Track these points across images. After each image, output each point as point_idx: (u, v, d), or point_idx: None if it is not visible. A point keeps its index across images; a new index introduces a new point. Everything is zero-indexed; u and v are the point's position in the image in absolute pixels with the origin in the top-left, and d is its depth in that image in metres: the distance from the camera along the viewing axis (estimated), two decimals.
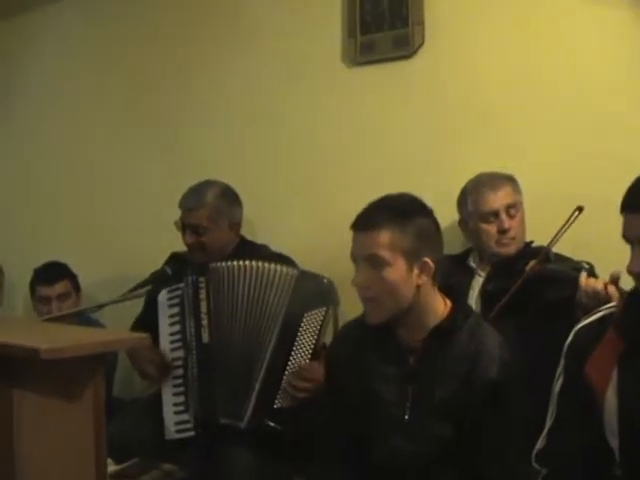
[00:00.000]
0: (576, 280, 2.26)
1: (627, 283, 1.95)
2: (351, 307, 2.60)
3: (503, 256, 2.66)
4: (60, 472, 1.53)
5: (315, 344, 2.60)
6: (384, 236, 1.98)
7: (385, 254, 1.98)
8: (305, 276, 2.70)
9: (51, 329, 1.92)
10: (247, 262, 2.70)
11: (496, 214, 2.64)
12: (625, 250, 1.71)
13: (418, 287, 2.02)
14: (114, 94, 3.80)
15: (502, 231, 2.63)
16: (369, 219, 2.03)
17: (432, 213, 2.09)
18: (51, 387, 1.48)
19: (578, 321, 1.91)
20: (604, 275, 2.23)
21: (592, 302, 2.12)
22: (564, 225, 2.43)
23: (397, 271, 1.99)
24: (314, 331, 2.61)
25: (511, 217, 2.65)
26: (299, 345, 2.61)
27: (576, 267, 2.42)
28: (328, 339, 2.61)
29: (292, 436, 2.56)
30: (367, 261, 2.02)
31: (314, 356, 2.60)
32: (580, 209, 2.42)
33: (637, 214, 1.66)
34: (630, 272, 1.69)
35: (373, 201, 2.08)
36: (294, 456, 2.59)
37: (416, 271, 2.01)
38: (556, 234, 2.44)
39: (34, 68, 4.07)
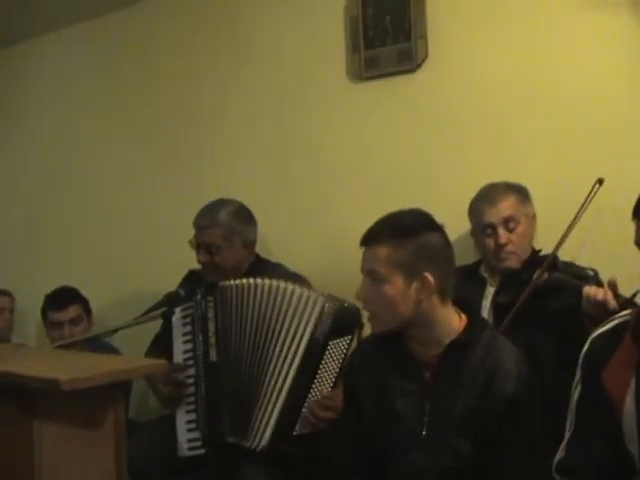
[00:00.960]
0: (579, 289, 2.26)
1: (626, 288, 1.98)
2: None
3: (504, 270, 2.64)
4: None
5: (338, 372, 2.56)
6: (381, 251, 2.02)
7: (382, 269, 2.01)
8: (332, 302, 2.61)
9: (68, 358, 1.92)
10: (258, 280, 2.68)
11: (493, 228, 2.63)
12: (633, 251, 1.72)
13: (419, 302, 2.02)
14: (118, 117, 3.85)
15: (499, 246, 2.61)
16: (371, 235, 2.07)
17: (441, 228, 2.09)
18: (71, 417, 1.49)
19: (588, 331, 1.91)
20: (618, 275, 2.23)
21: (596, 311, 2.11)
22: (586, 199, 2.44)
23: (395, 286, 2.01)
24: (338, 359, 2.56)
25: (509, 231, 2.61)
26: (322, 373, 2.57)
27: (581, 274, 2.43)
28: None
29: (306, 455, 2.56)
30: (368, 276, 2.06)
31: (336, 384, 2.56)
32: (600, 181, 2.43)
33: None
34: None
35: (381, 217, 2.10)
36: (307, 474, 2.59)
37: (416, 286, 2.01)
38: (579, 210, 2.45)
39: (34, 95, 4.10)
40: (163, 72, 3.71)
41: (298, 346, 2.59)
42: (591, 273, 2.46)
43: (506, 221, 2.62)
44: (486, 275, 2.74)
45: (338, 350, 2.57)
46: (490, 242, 2.64)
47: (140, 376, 2.50)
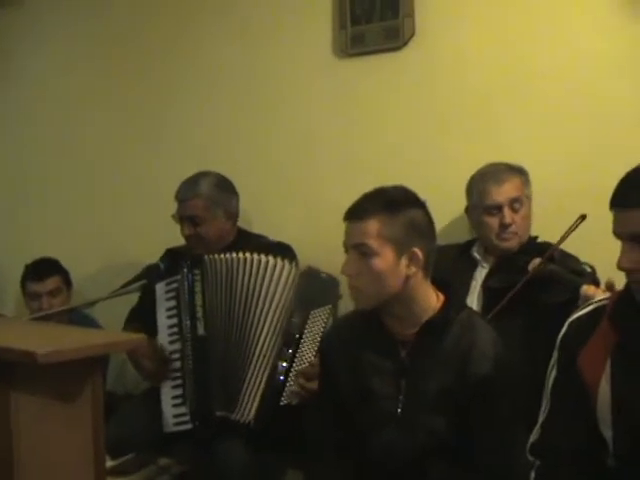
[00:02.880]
0: (576, 285, 2.26)
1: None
2: (345, 300, 2.63)
3: (504, 250, 2.64)
4: (59, 472, 1.53)
5: (320, 342, 2.58)
6: (372, 225, 2.00)
7: (373, 243, 2.00)
8: (310, 273, 2.69)
9: (48, 331, 1.90)
10: (247, 255, 2.70)
11: (499, 208, 2.62)
12: None
13: (407, 278, 2.02)
14: (105, 87, 3.79)
15: (504, 225, 2.61)
16: (359, 209, 2.04)
17: (424, 206, 2.09)
18: (49, 390, 1.49)
19: None
20: (609, 271, 2.24)
21: None
22: (567, 232, 2.42)
23: (385, 260, 2.00)
24: (319, 329, 2.61)
25: (515, 211, 2.62)
26: (305, 343, 2.61)
27: (577, 270, 2.43)
28: None
29: (288, 430, 2.57)
30: (356, 250, 2.03)
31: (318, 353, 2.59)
32: (583, 217, 2.40)
33: (626, 211, 1.66)
34: (619, 268, 1.69)
35: (366, 192, 2.09)
36: (290, 449, 2.61)
37: (405, 261, 2.01)
38: (559, 240, 2.42)
39: (24, 61, 4.04)
40: (152, 47, 3.66)
41: (282, 317, 2.63)
42: (588, 269, 2.45)
43: (512, 202, 2.63)
44: (479, 256, 2.74)
45: (319, 320, 2.62)
46: (493, 222, 2.63)
47: (120, 350, 2.50)
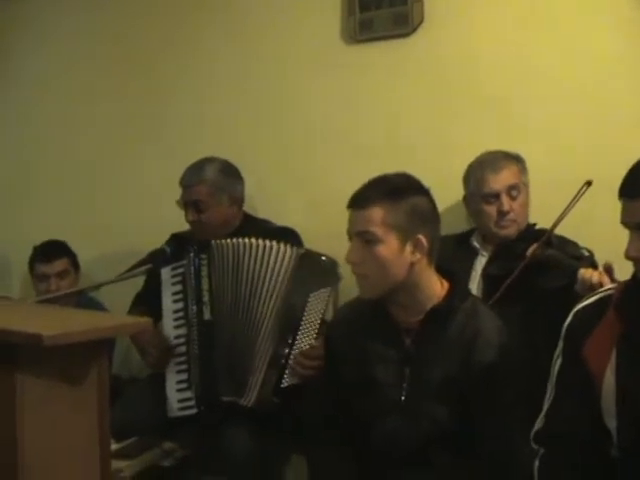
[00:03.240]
0: (574, 269, 2.26)
1: (622, 273, 1.96)
2: (343, 283, 2.65)
3: (503, 238, 2.64)
4: (64, 455, 1.53)
5: (320, 323, 2.61)
6: (377, 213, 2.00)
7: (377, 230, 2.00)
8: (309, 255, 2.70)
9: (54, 313, 1.90)
10: (252, 240, 2.70)
11: (497, 195, 2.62)
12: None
13: (412, 265, 2.03)
14: (106, 80, 3.77)
15: (502, 213, 2.62)
16: (363, 196, 2.04)
17: (428, 192, 2.09)
18: (54, 372, 1.48)
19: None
20: (610, 257, 2.24)
21: (590, 292, 2.10)
22: (573, 199, 2.41)
23: (389, 248, 2.00)
24: (319, 311, 2.62)
25: (512, 199, 2.62)
26: (305, 325, 2.61)
27: (575, 254, 2.42)
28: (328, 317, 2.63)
29: (293, 414, 2.58)
30: (360, 237, 2.03)
31: (319, 335, 2.60)
32: (589, 183, 2.40)
33: (633, 200, 1.67)
34: (627, 257, 1.70)
35: (370, 180, 2.09)
36: (294, 435, 2.61)
37: (409, 248, 2.01)
38: (565, 208, 2.41)
39: (25, 55, 4.03)
40: (154, 37, 3.64)
41: (283, 301, 2.64)
42: (586, 253, 2.46)
43: (510, 189, 2.63)
44: (478, 245, 2.75)
45: (319, 302, 2.62)
46: (491, 210, 2.63)
47: (125, 334, 2.50)
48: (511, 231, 2.64)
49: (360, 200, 2.05)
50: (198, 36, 3.52)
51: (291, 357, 2.60)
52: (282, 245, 2.68)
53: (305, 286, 2.63)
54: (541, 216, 2.67)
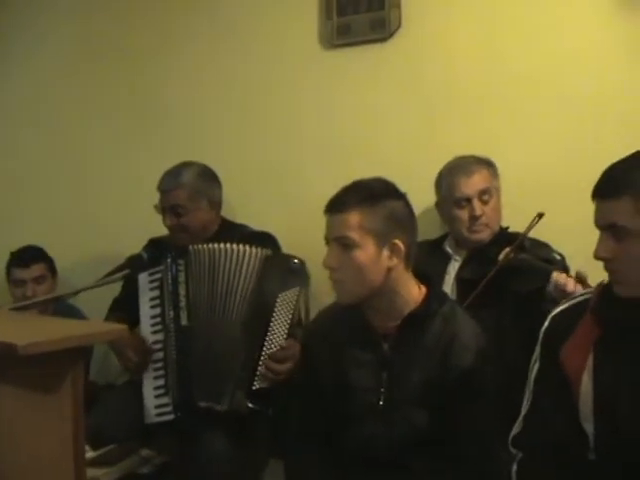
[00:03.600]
0: (546, 273, 2.28)
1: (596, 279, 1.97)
2: (322, 288, 2.60)
3: (475, 242, 2.65)
4: (37, 464, 1.52)
5: (290, 324, 2.60)
6: (353, 217, 2.00)
7: (354, 235, 2.00)
8: (276, 256, 2.71)
9: (28, 322, 1.88)
10: (227, 245, 2.69)
11: (468, 200, 2.63)
12: None
13: (389, 270, 2.03)
14: (91, 80, 3.76)
15: (474, 217, 2.63)
16: (340, 201, 2.04)
17: (405, 197, 2.10)
18: (29, 380, 1.47)
19: (548, 312, 1.93)
20: (580, 260, 2.25)
21: (562, 297, 2.12)
22: (525, 231, 2.45)
23: (366, 252, 2.00)
24: (288, 311, 2.60)
25: (484, 203, 2.64)
26: (274, 326, 2.59)
27: (548, 258, 2.44)
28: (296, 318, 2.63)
29: (270, 418, 2.58)
30: (337, 242, 2.03)
31: (289, 335, 2.60)
32: (540, 215, 2.44)
33: (602, 201, 1.70)
34: (596, 257, 1.72)
35: (346, 185, 2.08)
36: (271, 440, 2.62)
37: (386, 253, 2.02)
38: (519, 239, 2.46)
39: (16, 58, 4.01)
40: (137, 40, 3.64)
41: (250, 302, 2.63)
42: (558, 257, 2.47)
43: (481, 193, 2.64)
44: (450, 250, 2.76)
45: (287, 302, 2.61)
46: (463, 214, 2.64)
47: (101, 341, 2.48)
48: (484, 235, 2.65)
49: (337, 205, 2.04)
50: (184, 40, 3.52)
51: (261, 359, 2.58)
52: (247, 247, 2.67)
53: (273, 287, 2.62)
54: (516, 220, 2.66)
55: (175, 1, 3.54)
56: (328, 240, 2.07)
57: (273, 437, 2.50)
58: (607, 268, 1.74)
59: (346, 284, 2.05)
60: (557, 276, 2.24)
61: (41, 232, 3.62)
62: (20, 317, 2.08)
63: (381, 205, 2.02)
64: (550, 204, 2.53)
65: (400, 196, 2.08)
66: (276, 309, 2.60)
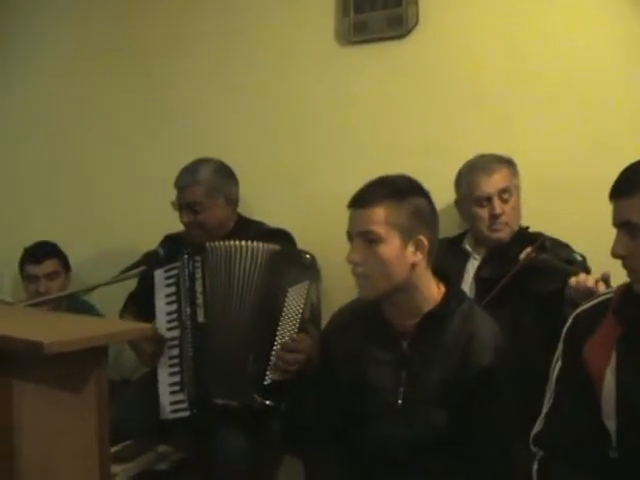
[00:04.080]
0: (567, 274, 2.26)
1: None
2: (336, 284, 2.66)
3: (495, 241, 2.64)
4: (62, 463, 1.51)
5: (301, 317, 2.60)
6: (379, 212, 2.00)
7: (380, 230, 1.99)
8: (287, 251, 2.72)
9: (50, 319, 1.87)
10: (243, 242, 2.69)
11: (489, 199, 2.62)
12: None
13: (413, 265, 2.03)
14: (100, 78, 3.76)
15: (494, 216, 2.61)
16: (365, 196, 2.04)
17: (428, 195, 2.10)
18: (52, 379, 1.46)
19: (567, 315, 1.94)
20: (596, 259, 2.24)
21: (582, 298, 2.09)
22: (528, 253, 2.43)
23: (391, 247, 2.00)
24: (299, 304, 2.60)
25: (504, 202, 2.62)
26: (285, 319, 2.59)
27: (569, 258, 2.43)
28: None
29: (284, 413, 2.58)
30: (362, 237, 2.03)
31: (301, 329, 2.59)
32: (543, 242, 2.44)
33: (618, 199, 1.72)
34: (613, 255, 1.73)
35: (371, 180, 2.08)
36: (285, 437, 2.64)
37: (411, 248, 2.02)
38: (540, 240, 2.44)
39: (18, 59, 4.01)
40: (148, 39, 3.63)
41: (262, 296, 2.64)
42: (579, 258, 2.45)
43: (501, 192, 2.63)
44: (470, 248, 2.74)
45: (298, 296, 2.61)
46: (484, 213, 2.63)
47: (126, 340, 2.47)
48: (504, 234, 2.64)
49: (362, 200, 2.04)
50: (194, 37, 3.50)
51: (273, 353, 2.57)
52: (259, 244, 2.68)
53: (283, 281, 2.62)
54: (536, 220, 2.67)
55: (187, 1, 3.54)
56: (351, 235, 2.07)
57: (286, 431, 2.49)
58: (624, 266, 1.76)
59: (371, 279, 2.04)
60: (576, 280, 2.20)
61: (55, 228, 3.62)
62: (40, 314, 2.05)
63: (407, 201, 2.02)
64: (569, 204, 2.52)
65: (424, 193, 2.09)
66: (286, 303, 2.60)
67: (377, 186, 2.06)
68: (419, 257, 2.03)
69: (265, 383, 2.57)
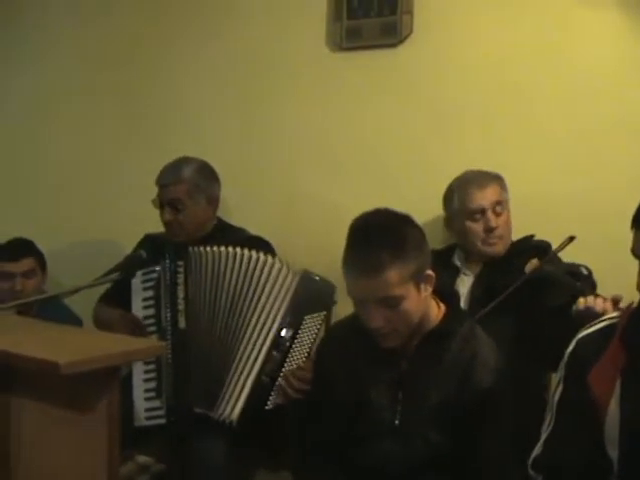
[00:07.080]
0: (572, 288, 2.26)
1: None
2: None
3: (490, 255, 2.63)
4: None
5: (312, 346, 2.58)
6: (392, 276, 1.91)
7: (398, 292, 1.93)
8: (306, 276, 2.64)
9: (58, 334, 1.77)
10: (231, 249, 2.66)
11: (483, 212, 2.62)
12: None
13: (426, 299, 2.02)
14: (83, 79, 3.70)
15: (489, 229, 2.61)
16: (371, 263, 1.92)
17: (413, 220, 2.04)
18: (64, 398, 1.40)
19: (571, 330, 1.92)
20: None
21: (588, 322, 2.08)
22: (555, 250, 2.45)
23: (411, 299, 1.96)
24: (312, 333, 2.59)
25: (498, 215, 2.62)
26: (297, 346, 2.57)
27: (574, 271, 2.42)
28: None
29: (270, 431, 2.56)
30: (381, 303, 1.95)
31: (309, 356, 2.57)
32: (572, 238, 2.43)
33: (635, 231, 1.69)
34: (638, 289, 1.69)
35: (360, 240, 1.97)
36: (267, 449, 2.62)
37: (423, 287, 1.99)
38: (548, 256, 2.45)
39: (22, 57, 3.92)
40: (135, 37, 3.57)
41: (274, 319, 2.59)
42: (585, 272, 2.44)
43: (495, 205, 2.63)
44: (459, 263, 2.73)
45: (313, 325, 2.59)
46: (478, 227, 2.62)
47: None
48: (498, 248, 2.63)
49: (369, 268, 1.92)
50: (181, 38, 3.46)
51: (280, 376, 2.55)
52: (268, 257, 2.64)
53: (299, 307, 2.59)
54: (523, 233, 2.69)
55: (183, 6, 3.49)
56: (362, 301, 1.98)
57: (276, 450, 2.47)
58: None
59: (397, 333, 2.00)
60: (583, 303, 2.19)
61: (32, 227, 3.51)
62: (43, 328, 1.93)
63: (408, 247, 1.95)
64: (561, 221, 2.52)
65: (412, 222, 2.04)
66: (300, 331, 2.58)
67: (376, 247, 1.92)
68: (429, 289, 2.02)
69: (267, 407, 2.55)
